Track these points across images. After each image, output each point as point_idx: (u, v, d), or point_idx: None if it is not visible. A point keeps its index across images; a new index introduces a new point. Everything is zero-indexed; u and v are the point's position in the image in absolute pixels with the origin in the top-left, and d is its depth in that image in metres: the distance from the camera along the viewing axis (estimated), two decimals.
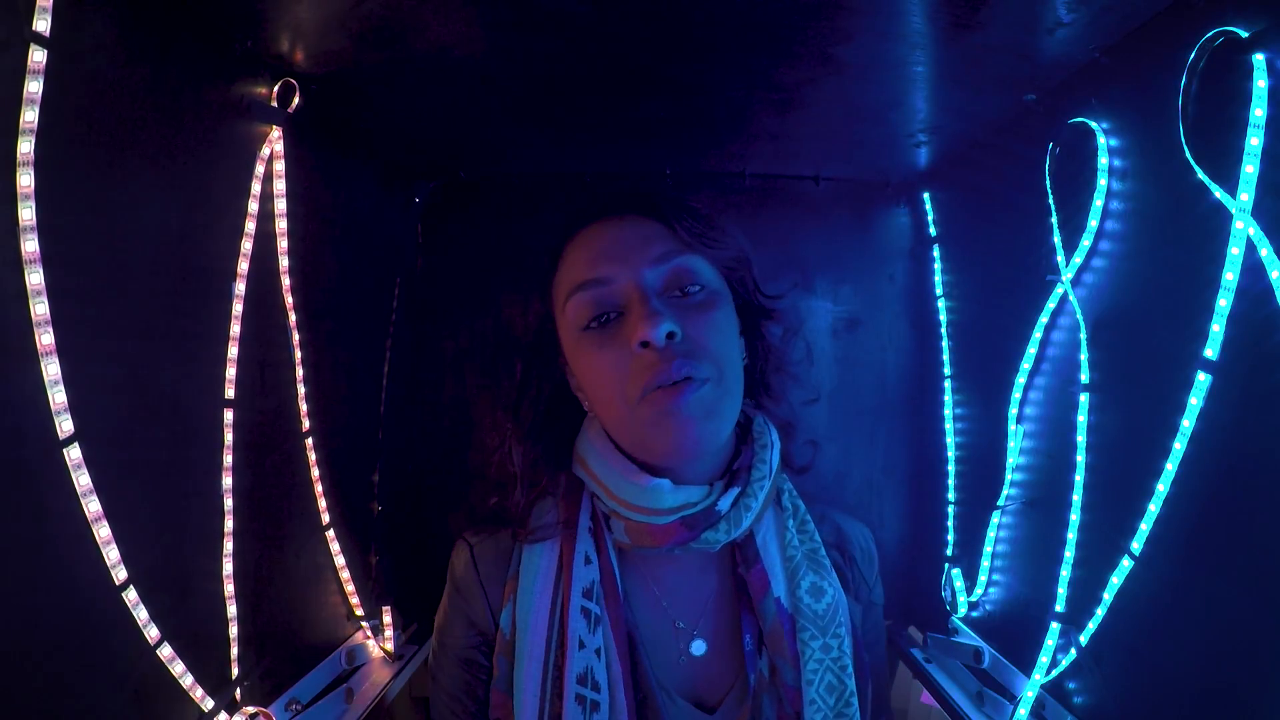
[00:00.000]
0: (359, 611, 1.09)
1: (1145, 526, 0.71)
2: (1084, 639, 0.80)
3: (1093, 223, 0.81)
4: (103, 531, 0.60)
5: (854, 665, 0.63)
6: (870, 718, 0.68)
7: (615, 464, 0.61)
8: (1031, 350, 0.93)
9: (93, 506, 0.59)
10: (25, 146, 0.53)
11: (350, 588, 1.07)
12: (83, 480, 0.59)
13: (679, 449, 0.57)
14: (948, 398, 1.18)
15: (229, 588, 0.79)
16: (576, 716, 0.58)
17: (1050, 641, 0.85)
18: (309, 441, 0.97)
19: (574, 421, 0.68)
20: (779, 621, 0.62)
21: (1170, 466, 0.68)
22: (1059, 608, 0.84)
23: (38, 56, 0.53)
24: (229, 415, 0.79)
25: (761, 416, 0.68)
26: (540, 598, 0.63)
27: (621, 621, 0.62)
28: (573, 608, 0.61)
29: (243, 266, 0.81)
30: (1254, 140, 0.59)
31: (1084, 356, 0.83)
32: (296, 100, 0.84)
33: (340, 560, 1.05)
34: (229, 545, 0.78)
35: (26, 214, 0.53)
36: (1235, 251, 0.62)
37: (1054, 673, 0.84)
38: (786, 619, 0.62)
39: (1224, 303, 0.63)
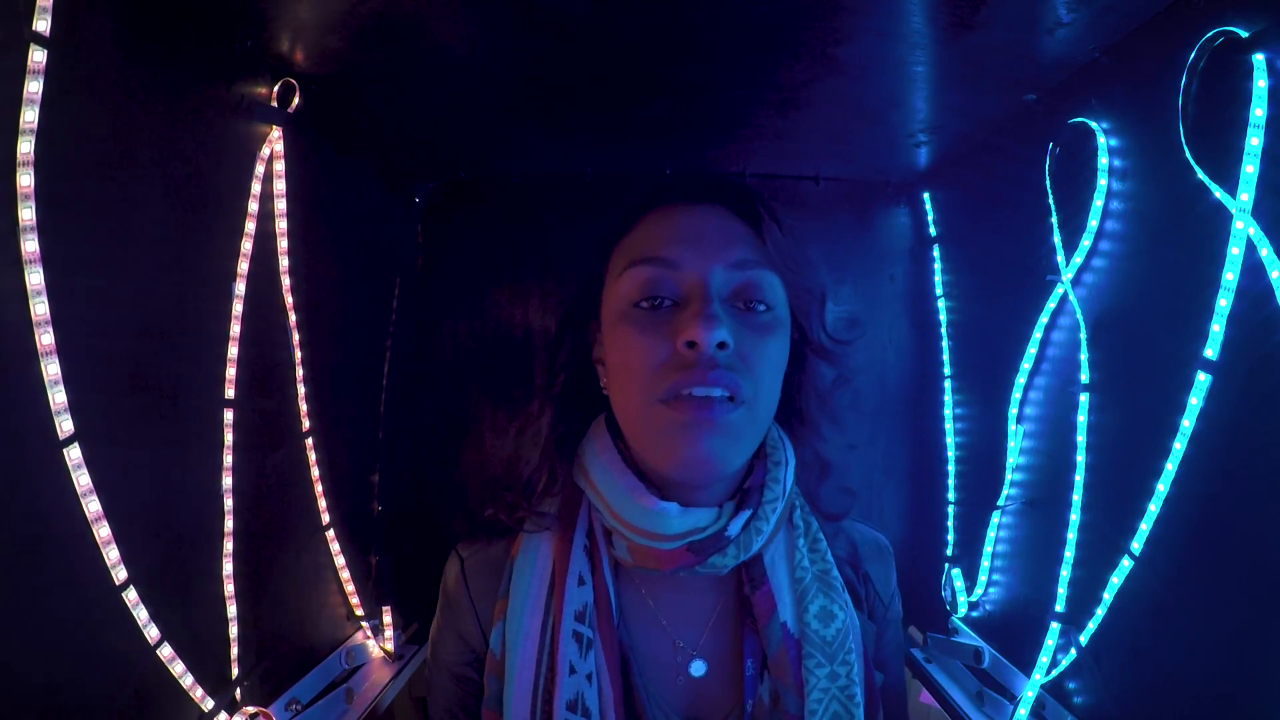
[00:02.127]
0: (359, 612, 1.09)
1: (1145, 526, 0.71)
2: (1084, 639, 0.80)
3: (1093, 223, 0.81)
4: (103, 531, 0.60)
5: (863, 691, 0.60)
6: None
7: (620, 479, 0.57)
8: (1031, 350, 0.93)
9: (93, 506, 0.59)
10: (25, 146, 0.53)
11: (350, 588, 1.07)
12: (83, 480, 0.59)
13: (686, 465, 0.52)
14: (948, 398, 1.18)
15: (229, 588, 0.79)
16: None
17: (1050, 641, 0.85)
18: (309, 441, 0.97)
19: (591, 405, 0.64)
20: (784, 648, 0.58)
21: (1170, 466, 0.68)
22: (1059, 608, 0.84)
23: (38, 56, 0.53)
24: (229, 415, 0.79)
25: (777, 430, 0.63)
26: (530, 620, 0.59)
27: (615, 644, 0.59)
28: (564, 632, 0.58)
29: (243, 266, 0.81)
30: (1254, 140, 0.59)
31: (1084, 356, 0.83)
32: (296, 100, 0.84)
33: (340, 560, 1.05)
34: (229, 545, 0.78)
35: (26, 214, 0.53)
36: (1235, 251, 0.62)
37: (1054, 673, 0.84)
38: (792, 645, 0.58)
39: (1224, 303, 0.63)
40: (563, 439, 0.63)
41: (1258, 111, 0.59)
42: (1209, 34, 0.62)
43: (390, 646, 1.11)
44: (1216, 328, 0.64)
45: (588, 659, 0.57)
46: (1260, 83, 0.59)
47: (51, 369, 0.56)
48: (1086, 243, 0.82)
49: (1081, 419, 0.82)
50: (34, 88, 0.53)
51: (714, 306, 0.53)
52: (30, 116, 0.53)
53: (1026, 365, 0.94)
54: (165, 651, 0.67)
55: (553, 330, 0.66)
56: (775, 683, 0.58)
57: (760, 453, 0.61)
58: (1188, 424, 0.66)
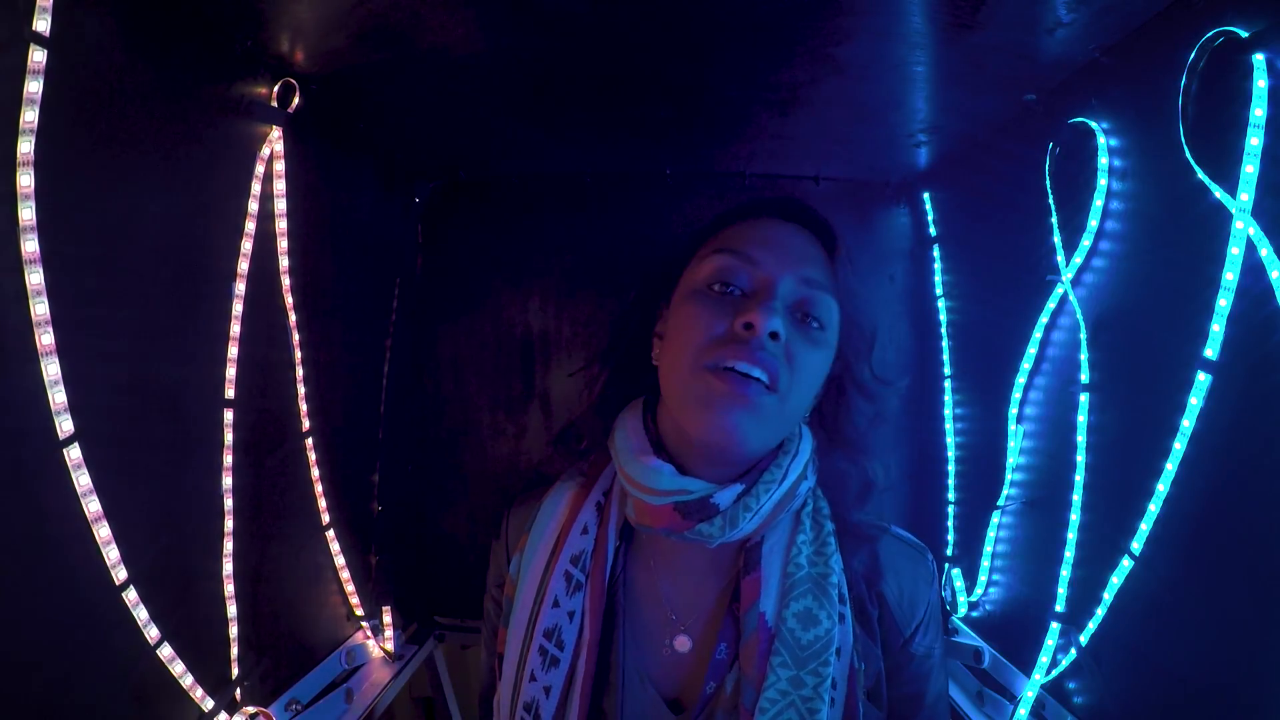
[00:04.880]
0: (359, 611, 1.09)
1: (1145, 526, 0.71)
2: (1084, 639, 0.80)
3: (1093, 223, 0.81)
4: (103, 531, 0.60)
5: (835, 711, 0.58)
6: None
7: (633, 439, 0.64)
8: (1031, 350, 0.93)
9: (93, 506, 0.60)
10: (25, 146, 0.53)
11: (350, 588, 1.07)
12: (83, 480, 0.59)
13: (715, 431, 0.56)
14: (948, 398, 1.18)
15: (229, 588, 0.79)
16: (537, 664, 0.63)
17: (1050, 641, 0.85)
18: (309, 441, 0.97)
19: (637, 380, 0.70)
20: (757, 636, 0.59)
21: (1170, 466, 0.68)
22: (1059, 608, 0.84)
23: (38, 56, 0.53)
24: (229, 415, 0.79)
25: (802, 428, 0.66)
26: (539, 555, 0.68)
27: (602, 594, 0.64)
28: (557, 570, 0.66)
29: (243, 266, 0.81)
30: (1254, 140, 0.60)
31: (1084, 356, 0.83)
32: (296, 100, 0.84)
33: (340, 560, 1.05)
34: (229, 545, 0.78)
35: (26, 214, 0.53)
36: (1235, 251, 0.62)
37: (1054, 673, 0.84)
38: (765, 636, 0.59)
39: (1224, 303, 0.63)
40: (607, 401, 0.71)
41: (1258, 111, 0.59)
42: (1209, 34, 0.63)
43: (390, 646, 1.11)
44: (1216, 328, 0.64)
45: (573, 599, 0.64)
46: (1260, 83, 0.59)
47: (51, 369, 0.56)
48: (1086, 243, 0.82)
49: (1081, 419, 0.82)
50: (34, 88, 0.53)
51: (776, 302, 0.58)
52: (30, 116, 0.53)
53: (1026, 365, 0.94)
54: (165, 651, 0.67)
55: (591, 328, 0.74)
56: (740, 673, 0.59)
57: (780, 445, 0.64)
58: (1188, 424, 0.66)
